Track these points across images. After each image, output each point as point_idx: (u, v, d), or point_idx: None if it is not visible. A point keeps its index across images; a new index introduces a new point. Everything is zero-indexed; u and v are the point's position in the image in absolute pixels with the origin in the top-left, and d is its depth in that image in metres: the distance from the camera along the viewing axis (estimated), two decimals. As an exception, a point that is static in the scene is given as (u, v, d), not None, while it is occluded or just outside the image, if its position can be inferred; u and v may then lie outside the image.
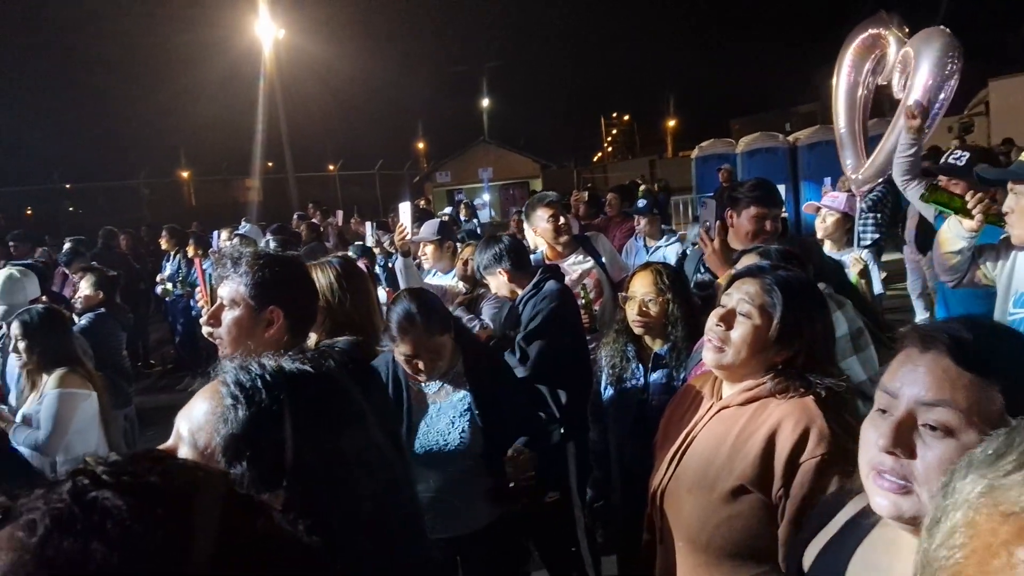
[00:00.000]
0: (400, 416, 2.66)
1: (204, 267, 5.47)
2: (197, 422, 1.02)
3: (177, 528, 0.54)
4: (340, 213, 12.33)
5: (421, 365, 2.60)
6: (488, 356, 2.76)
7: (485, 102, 44.48)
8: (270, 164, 31.44)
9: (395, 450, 1.21)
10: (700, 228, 3.07)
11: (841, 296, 2.85)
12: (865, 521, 1.21)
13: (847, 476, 1.68)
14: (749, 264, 2.06)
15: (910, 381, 1.08)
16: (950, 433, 1.02)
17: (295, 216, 12.40)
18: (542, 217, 4.34)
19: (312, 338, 2.72)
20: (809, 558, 1.32)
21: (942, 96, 5.30)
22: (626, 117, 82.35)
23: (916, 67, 5.29)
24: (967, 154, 3.51)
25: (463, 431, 2.65)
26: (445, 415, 2.66)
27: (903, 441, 1.06)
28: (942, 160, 3.64)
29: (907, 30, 5.82)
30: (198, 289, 5.15)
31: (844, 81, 6.22)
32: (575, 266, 4.37)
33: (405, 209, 4.72)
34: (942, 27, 5.49)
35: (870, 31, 6.02)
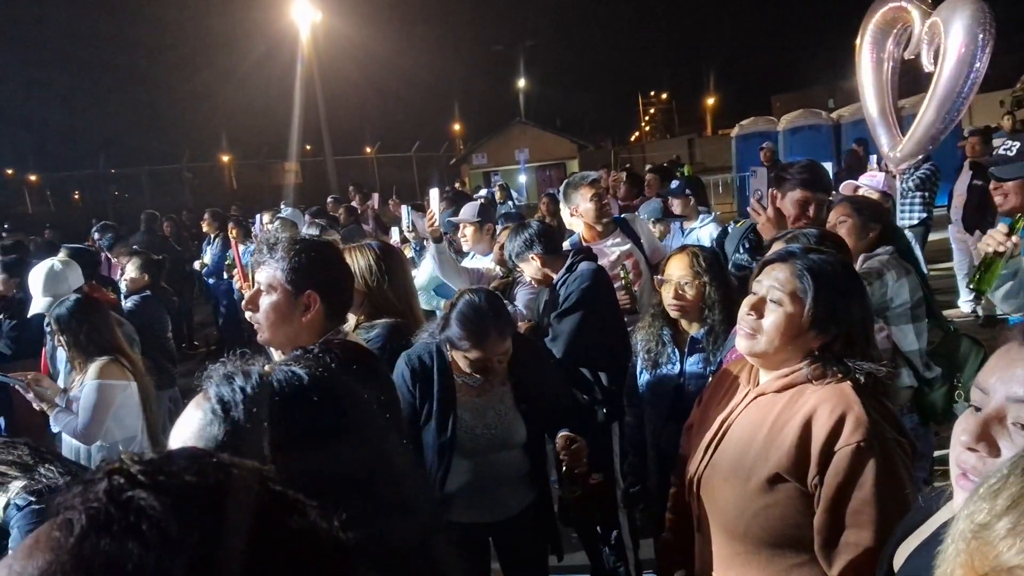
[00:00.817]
0: (434, 407, 2.66)
1: (240, 251, 5.55)
2: (183, 436, 1.02)
3: (213, 527, 0.54)
4: (376, 196, 12.41)
5: (493, 365, 2.59)
6: (530, 346, 2.76)
7: (521, 82, 44.25)
8: (308, 147, 31.74)
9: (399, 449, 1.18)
10: (752, 197, 3.01)
11: (908, 263, 2.82)
12: None
13: (886, 463, 1.66)
14: (778, 249, 2.00)
15: (1005, 378, 1.02)
16: None
17: (329, 199, 12.49)
18: (585, 196, 4.28)
19: (351, 321, 2.75)
20: (901, 558, 1.28)
21: (977, 66, 5.08)
22: (664, 95, 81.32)
23: (946, 38, 5.08)
24: (1018, 143, 3.37)
25: (510, 424, 2.65)
26: (492, 408, 2.67)
27: (987, 438, 1.00)
28: (994, 152, 3.49)
29: (930, 0, 5.59)
30: (235, 271, 5.23)
31: (867, 58, 6.00)
32: (613, 248, 4.33)
33: (434, 196, 4.73)
34: None
35: (890, 4, 5.79)
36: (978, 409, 1.05)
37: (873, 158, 9.78)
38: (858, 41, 6.17)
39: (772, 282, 1.81)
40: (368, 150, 34.14)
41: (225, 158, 32.53)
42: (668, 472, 2.81)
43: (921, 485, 1.97)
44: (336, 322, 2.25)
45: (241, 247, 7.91)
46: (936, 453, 3.19)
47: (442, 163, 35.56)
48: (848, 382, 1.74)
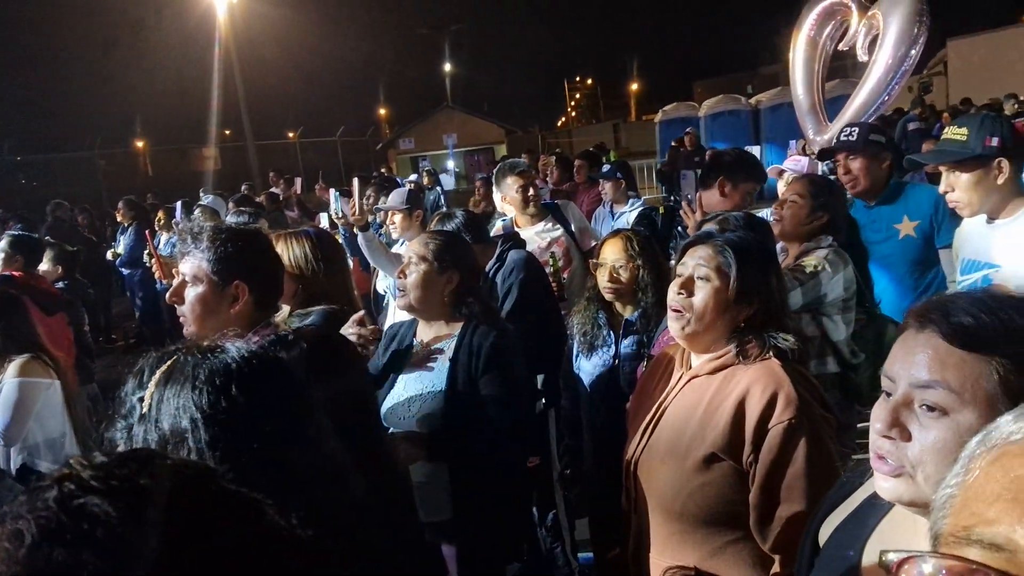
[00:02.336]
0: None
1: (154, 241, 5.34)
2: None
3: (170, 531, 0.52)
4: (300, 181, 12.14)
5: None
6: (486, 335, 2.60)
7: (448, 67, 43.96)
8: (227, 132, 30.82)
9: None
10: (683, 200, 3.08)
11: (847, 254, 2.90)
12: (883, 500, 1.19)
13: (816, 439, 1.73)
14: (698, 232, 2.13)
15: (907, 364, 1.06)
16: (945, 413, 1.00)
17: (244, 186, 12.16)
18: (512, 186, 4.31)
19: (284, 310, 2.68)
20: (825, 534, 1.31)
21: (911, 56, 5.32)
22: (589, 81, 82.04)
23: (884, 29, 5.31)
24: (856, 129, 3.57)
25: (424, 404, 2.56)
26: (420, 383, 2.61)
27: (898, 424, 1.05)
28: (836, 140, 3.69)
29: None
30: (153, 262, 5.02)
31: (803, 47, 6.20)
32: (544, 234, 4.36)
33: (356, 184, 4.73)
34: None
35: (830, 4, 6.01)
36: (888, 395, 1.09)
37: (793, 143, 10.11)
38: (796, 31, 6.35)
39: (697, 260, 1.88)
40: (291, 135, 33.41)
41: (139, 144, 31.27)
42: (604, 453, 2.86)
43: (846, 457, 2.05)
44: (267, 312, 2.19)
45: (164, 238, 7.64)
46: (860, 425, 3.34)
47: (368, 148, 35.05)
48: (776, 360, 1.80)
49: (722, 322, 1.85)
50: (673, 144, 15.62)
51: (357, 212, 4.39)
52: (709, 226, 2.68)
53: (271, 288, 2.21)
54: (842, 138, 3.58)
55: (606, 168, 6.19)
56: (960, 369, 1.00)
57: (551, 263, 4.10)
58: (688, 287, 1.87)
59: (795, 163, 4.71)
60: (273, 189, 11.14)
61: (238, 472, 0.90)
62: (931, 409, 1.02)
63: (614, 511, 2.19)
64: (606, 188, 5.97)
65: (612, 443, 2.41)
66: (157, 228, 7.80)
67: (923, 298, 3.26)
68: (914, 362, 1.04)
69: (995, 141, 2.48)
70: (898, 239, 3.42)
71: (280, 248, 2.61)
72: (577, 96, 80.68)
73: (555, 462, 3.48)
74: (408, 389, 2.61)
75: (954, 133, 2.61)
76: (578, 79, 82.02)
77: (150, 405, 1.10)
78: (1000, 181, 2.50)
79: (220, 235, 2.10)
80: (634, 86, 65.40)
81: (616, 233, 3.05)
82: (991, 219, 2.60)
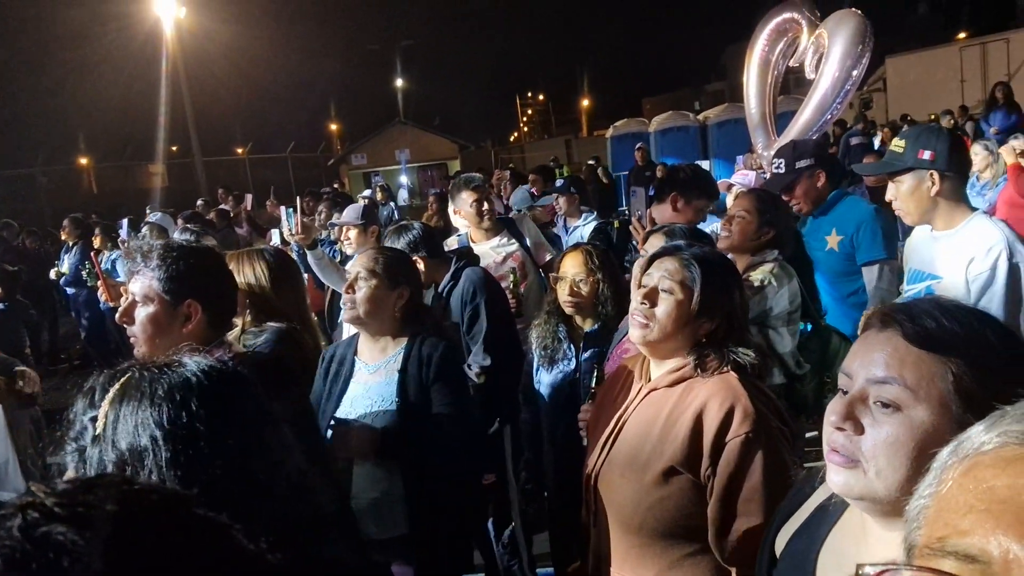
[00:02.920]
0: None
1: (103, 259, 5.20)
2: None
3: (139, 560, 0.50)
4: (250, 198, 11.95)
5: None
6: (434, 346, 2.63)
7: (400, 82, 43.89)
8: (175, 148, 30.22)
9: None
10: (633, 217, 3.12)
11: (791, 268, 2.96)
12: (833, 506, 1.23)
13: (773, 452, 1.76)
14: (666, 244, 2.14)
15: (865, 362, 1.10)
16: (898, 409, 1.04)
17: (199, 202, 11.93)
18: (466, 200, 4.31)
19: (236, 328, 2.64)
20: (781, 544, 1.34)
21: (854, 74, 5.50)
22: (541, 97, 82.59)
23: (830, 48, 5.48)
24: (782, 160, 3.70)
25: (376, 419, 2.54)
26: (368, 397, 2.59)
27: (852, 417, 1.08)
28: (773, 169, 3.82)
29: (818, 14, 6.01)
30: (99, 282, 4.88)
31: (756, 64, 6.36)
32: (500, 248, 4.37)
33: (298, 204, 4.72)
34: (855, 10, 5.70)
35: (784, 16, 6.17)
36: (845, 393, 1.12)
37: (740, 158, 10.33)
38: (750, 48, 6.48)
39: (663, 272, 1.89)
40: (240, 150, 32.90)
41: (83, 160, 30.45)
42: (565, 467, 2.86)
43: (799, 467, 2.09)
44: (220, 331, 2.16)
45: (106, 255, 7.43)
46: (808, 435, 3.41)
47: (320, 164, 34.73)
48: (734, 374, 1.83)
49: (683, 335, 1.87)
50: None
51: (299, 231, 4.37)
52: (657, 238, 2.73)
53: (224, 306, 2.17)
54: (773, 171, 3.69)
55: (560, 183, 6.24)
56: (918, 368, 1.04)
57: (511, 279, 4.11)
58: (652, 298, 1.89)
59: (743, 177, 4.81)
60: (223, 206, 10.94)
61: (203, 489, 0.88)
62: (886, 405, 1.05)
63: (574, 525, 2.20)
64: (560, 202, 6.01)
65: (573, 457, 2.41)
66: (97, 247, 7.58)
67: (846, 309, 3.42)
68: (873, 359, 1.08)
69: (927, 154, 2.57)
70: (825, 250, 3.54)
71: (234, 267, 2.57)
72: (529, 112, 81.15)
73: (511, 479, 3.47)
74: (357, 407, 2.58)
75: (895, 145, 2.72)
76: (530, 95, 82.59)
77: (104, 425, 1.06)
78: (933, 192, 2.59)
79: (171, 253, 2.06)
80: (585, 102, 66.05)
81: (576, 247, 3.09)
82: (935, 231, 2.69)
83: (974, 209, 2.70)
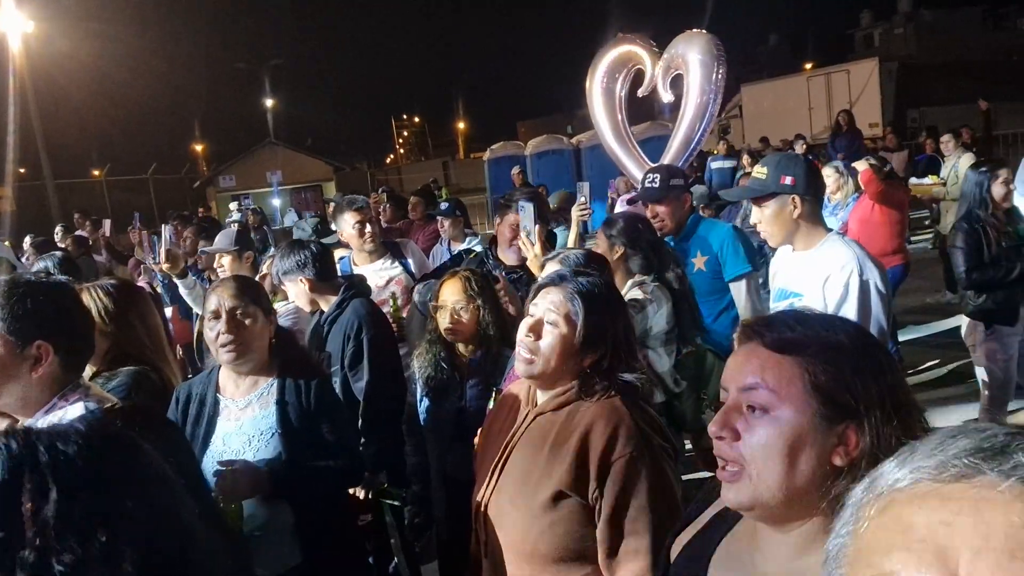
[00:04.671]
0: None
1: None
2: None
3: None
4: (108, 223, 11.24)
5: None
6: (308, 374, 2.56)
7: (269, 102, 42.71)
8: (23, 171, 28.06)
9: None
10: (521, 232, 3.11)
11: (667, 292, 3.04)
12: (731, 514, 1.27)
13: (657, 471, 1.79)
14: (551, 273, 2.14)
15: (735, 371, 1.18)
16: (766, 411, 1.12)
17: (57, 228, 11.10)
18: (348, 222, 4.20)
19: (88, 372, 2.43)
20: (676, 551, 1.38)
21: (715, 94, 5.74)
22: (416, 119, 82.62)
23: (687, 71, 5.68)
24: (657, 176, 3.91)
25: (258, 452, 2.42)
26: (244, 433, 2.46)
27: (728, 424, 1.15)
28: (640, 189, 4.01)
29: (653, 44, 6.17)
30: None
31: (600, 99, 6.37)
32: (382, 272, 4.29)
33: (166, 231, 4.48)
34: (701, 30, 5.95)
35: (622, 49, 6.28)
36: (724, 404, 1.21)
37: (612, 181, 10.65)
38: (588, 82, 6.50)
39: (548, 304, 1.90)
40: (96, 173, 30.96)
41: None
42: (455, 496, 2.81)
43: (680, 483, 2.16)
44: (75, 373, 1.98)
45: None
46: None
47: (185, 186, 33.17)
48: (618, 396, 1.85)
49: (568, 367, 1.88)
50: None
51: (165, 259, 4.14)
52: (553, 264, 2.73)
53: (80, 347, 2.00)
54: (647, 185, 3.86)
55: (445, 205, 6.20)
56: (777, 371, 1.12)
57: (391, 303, 4.02)
58: (537, 330, 1.89)
59: (623, 204, 4.97)
60: (79, 232, 10.21)
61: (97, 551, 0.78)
62: (754, 409, 1.13)
63: (465, 557, 2.15)
64: (445, 225, 5.96)
65: (462, 487, 2.37)
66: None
67: (717, 326, 3.60)
68: (741, 369, 1.17)
69: (788, 179, 2.73)
70: (694, 271, 3.71)
71: (85, 301, 2.37)
72: (405, 133, 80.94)
73: (388, 516, 3.37)
74: (232, 444, 2.45)
75: (758, 172, 2.87)
76: (405, 116, 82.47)
77: None
78: (795, 215, 2.75)
79: (16, 290, 1.87)
80: (461, 125, 66.68)
81: (454, 274, 3.01)
82: (796, 251, 2.84)
83: (829, 230, 2.88)
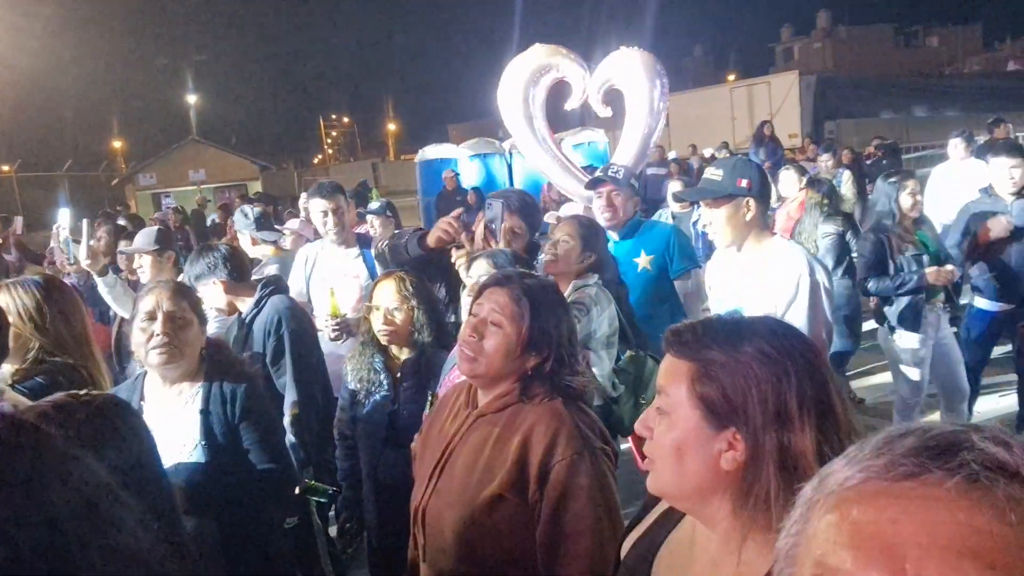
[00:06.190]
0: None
1: None
2: None
3: None
4: (20, 220, 10.71)
5: None
6: (234, 381, 2.48)
7: (192, 98, 41.43)
8: (-78, 165, 26.55)
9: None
10: (485, 230, 3.08)
11: (610, 293, 3.06)
12: (676, 514, 1.31)
13: (597, 474, 1.81)
14: (496, 273, 2.13)
15: (658, 375, 1.25)
16: (665, 413, 1.18)
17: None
18: (316, 208, 4.11)
19: (5, 369, 2.32)
20: (625, 548, 1.40)
21: (661, 105, 5.80)
22: (346, 119, 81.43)
23: (627, 84, 5.71)
24: (622, 169, 4.00)
25: (181, 463, 2.36)
26: (169, 443, 2.37)
27: (645, 423, 1.23)
28: (603, 173, 4.07)
29: (576, 55, 6.08)
30: None
31: (518, 106, 6.06)
32: (346, 263, 4.19)
33: (85, 226, 4.23)
34: (639, 48, 6.01)
35: (539, 59, 6.10)
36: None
37: (544, 186, 10.69)
38: (501, 89, 6.20)
39: (492, 305, 1.88)
40: (6, 168, 29.48)
41: None
42: (387, 502, 2.77)
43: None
44: (-15, 376, 1.88)
45: None
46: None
47: (102, 183, 31.91)
48: (559, 399, 1.85)
49: (511, 368, 1.87)
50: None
51: (86, 255, 3.97)
52: (481, 263, 2.72)
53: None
54: (610, 174, 3.91)
55: (376, 205, 6.13)
56: (670, 374, 1.19)
57: (329, 301, 3.95)
58: (480, 331, 1.87)
59: (571, 209, 5.04)
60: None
61: None
62: (659, 411, 1.19)
63: (398, 563, 2.12)
64: (376, 225, 5.89)
65: (395, 492, 2.34)
66: None
67: (660, 325, 3.65)
68: (660, 373, 1.24)
69: (745, 183, 2.79)
70: (637, 271, 3.74)
71: (4, 300, 2.26)
72: (334, 134, 79.69)
73: (316, 521, 3.31)
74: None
75: (712, 174, 2.91)
76: (334, 116, 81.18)
77: None
78: (748, 218, 2.81)
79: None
80: (391, 126, 66.09)
81: (389, 274, 2.98)
82: (742, 253, 2.91)
83: (773, 233, 2.96)
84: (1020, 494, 0.54)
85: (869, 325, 5.57)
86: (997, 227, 4.33)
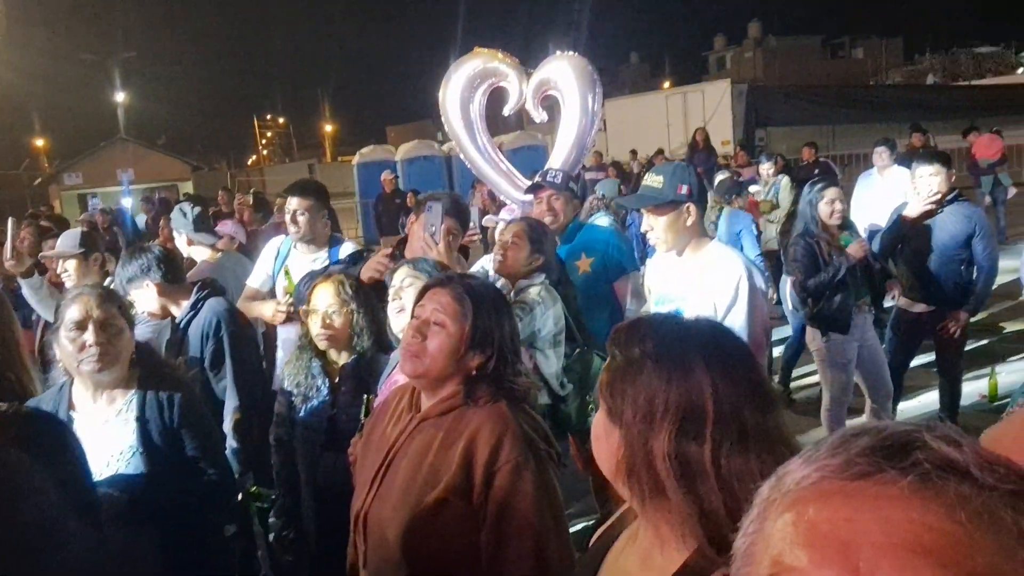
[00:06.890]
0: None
1: None
2: None
3: None
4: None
5: None
6: (169, 388, 2.43)
7: (120, 96, 40.05)
8: None
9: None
10: (425, 232, 3.05)
11: (556, 292, 3.08)
12: (630, 515, 1.33)
13: (541, 476, 1.82)
14: (439, 275, 2.14)
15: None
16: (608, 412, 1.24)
17: None
18: (288, 207, 3.93)
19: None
20: (593, 540, 1.43)
21: (596, 109, 5.86)
22: (281, 120, 79.91)
23: (562, 89, 5.77)
24: (560, 173, 4.07)
25: (118, 472, 2.30)
26: (103, 452, 2.30)
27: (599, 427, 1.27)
28: (544, 178, 4.12)
29: (516, 59, 6.10)
30: None
31: (456, 110, 6.03)
32: (315, 265, 4.09)
33: (11, 225, 4.08)
34: (574, 53, 6.06)
35: (479, 63, 6.12)
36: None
37: (485, 190, 10.71)
38: (442, 92, 6.21)
39: (435, 305, 1.88)
40: (-85, 166, 28.02)
41: None
42: (327, 508, 2.72)
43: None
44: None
45: None
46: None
47: (24, 183, 30.63)
48: (504, 402, 1.85)
49: (455, 368, 1.86)
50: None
51: (9, 257, 3.81)
52: (403, 270, 2.67)
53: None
54: (549, 179, 3.96)
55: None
56: (604, 377, 1.25)
57: (285, 296, 3.87)
58: (423, 331, 1.86)
59: (510, 213, 5.07)
60: None
61: None
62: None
63: (339, 569, 2.09)
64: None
65: (334, 497, 2.31)
66: None
67: (602, 326, 3.69)
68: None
69: (685, 189, 2.84)
70: (578, 274, 3.78)
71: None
72: (269, 134, 78.12)
73: (254, 528, 3.25)
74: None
75: (652, 180, 2.95)
76: (269, 117, 79.58)
77: None
78: (689, 223, 2.87)
79: None
80: (328, 127, 65.14)
81: (327, 277, 2.94)
82: (681, 257, 2.96)
83: (711, 238, 3.02)
84: (969, 493, 0.56)
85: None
86: (914, 208, 4.49)
